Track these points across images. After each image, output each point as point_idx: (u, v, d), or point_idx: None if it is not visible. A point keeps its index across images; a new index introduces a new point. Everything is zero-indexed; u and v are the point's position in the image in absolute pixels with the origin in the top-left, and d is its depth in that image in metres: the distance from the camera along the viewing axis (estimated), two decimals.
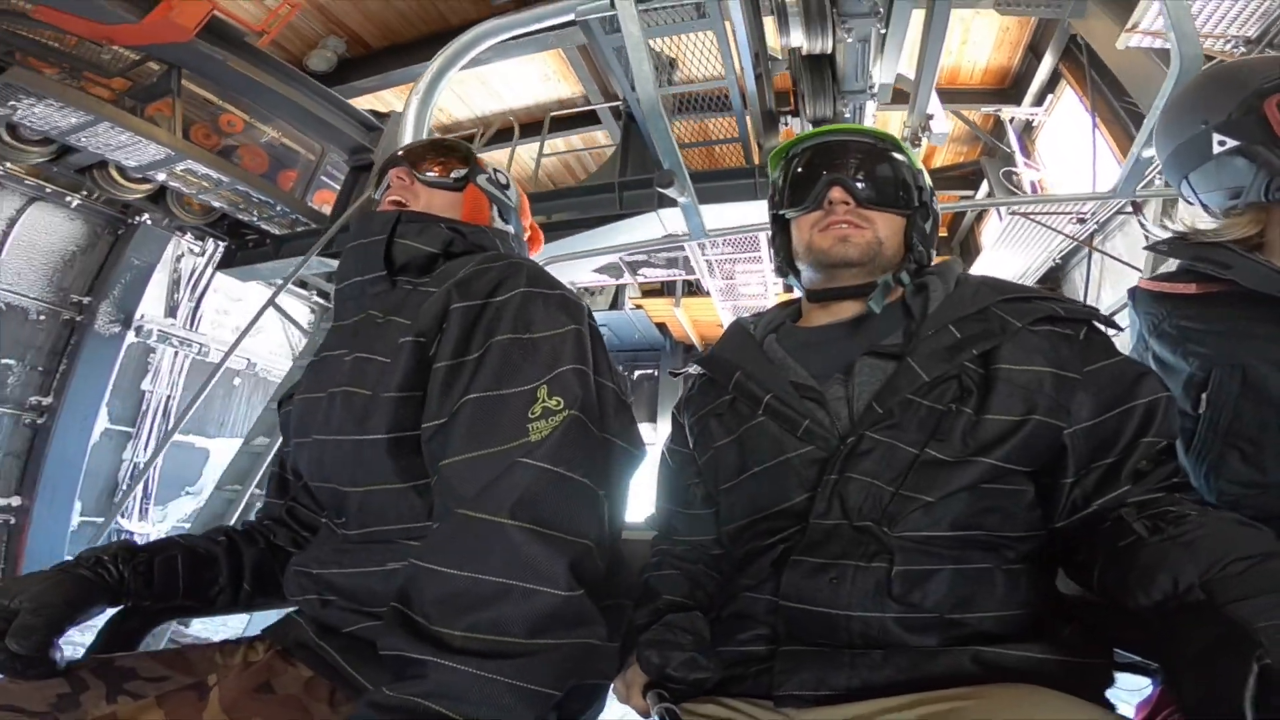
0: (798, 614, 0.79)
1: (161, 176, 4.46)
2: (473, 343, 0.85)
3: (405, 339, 0.88)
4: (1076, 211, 5.15)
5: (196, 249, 6.60)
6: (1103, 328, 0.88)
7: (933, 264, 1.03)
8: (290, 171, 5.46)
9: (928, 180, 1.05)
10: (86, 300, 5.79)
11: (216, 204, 4.91)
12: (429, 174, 1.13)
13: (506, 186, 1.23)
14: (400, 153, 1.16)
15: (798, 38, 3.54)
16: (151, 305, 6.24)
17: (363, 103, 6.08)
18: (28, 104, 3.51)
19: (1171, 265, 1.07)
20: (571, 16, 1.77)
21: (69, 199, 5.56)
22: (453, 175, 1.14)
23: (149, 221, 5.92)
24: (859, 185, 0.98)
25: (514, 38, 1.98)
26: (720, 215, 4.10)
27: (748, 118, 4.52)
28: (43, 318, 5.62)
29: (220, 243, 6.21)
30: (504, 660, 0.66)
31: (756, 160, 4.57)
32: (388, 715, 0.63)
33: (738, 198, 4.22)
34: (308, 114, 4.96)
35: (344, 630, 0.83)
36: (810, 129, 1.06)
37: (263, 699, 0.77)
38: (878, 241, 0.98)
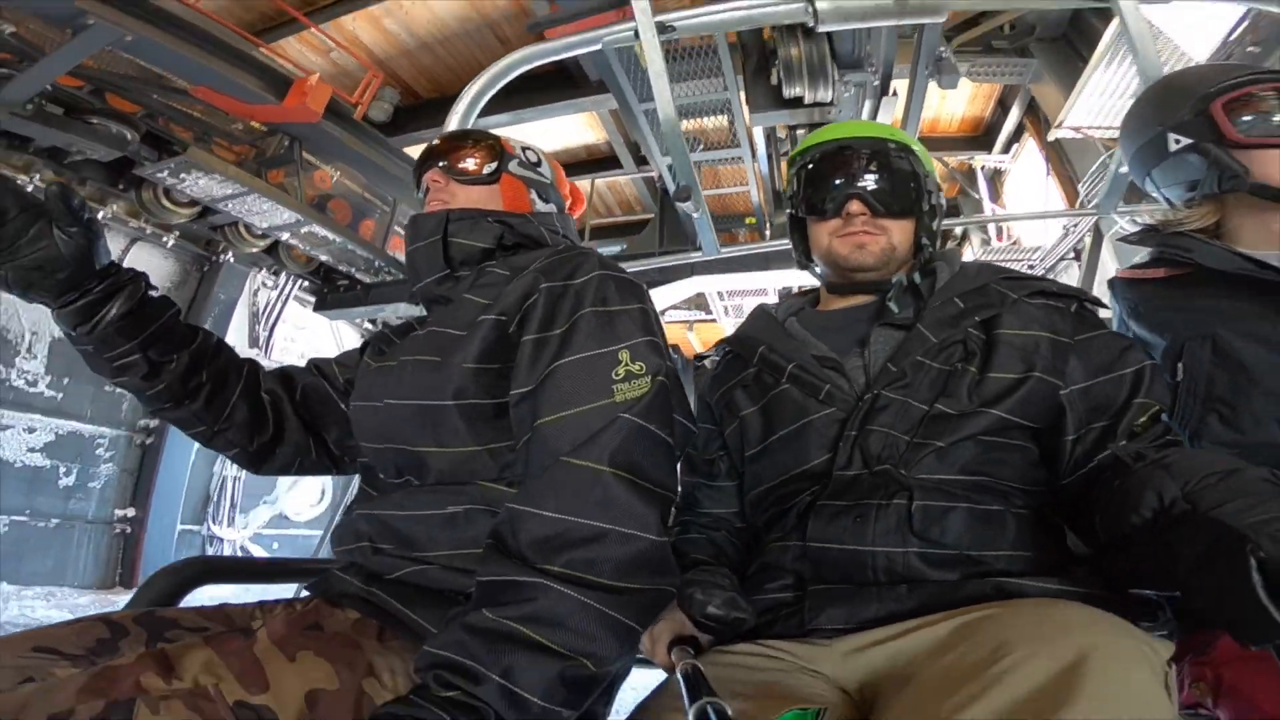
0: (825, 554, 0.84)
1: (285, 236, 5.26)
2: (557, 319, 0.89)
3: (486, 317, 0.93)
4: (1026, 259, 6.07)
5: (270, 283, 7.38)
6: (1090, 306, 0.96)
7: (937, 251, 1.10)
8: (369, 221, 6.28)
9: (936, 178, 1.11)
10: None
11: (324, 258, 5.73)
12: (463, 173, 1.15)
13: (538, 164, 1.23)
14: (432, 153, 1.18)
15: (801, 88, 4.28)
16: (235, 335, 7.02)
17: (416, 150, 6.91)
18: (195, 176, 4.33)
19: (1144, 255, 1.19)
20: (599, 46, 1.86)
21: (165, 239, 6.29)
22: (485, 170, 1.15)
23: (231, 259, 6.73)
24: (874, 196, 1.03)
25: (543, 65, 2.07)
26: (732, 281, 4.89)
27: (760, 194, 5.40)
28: None
29: (296, 278, 7.05)
30: (601, 593, 0.70)
31: (769, 236, 5.43)
32: (479, 638, 0.66)
33: (749, 267, 5.06)
34: (386, 172, 5.81)
35: (392, 576, 0.86)
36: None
37: (312, 635, 0.77)
38: (892, 247, 1.03)
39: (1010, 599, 0.71)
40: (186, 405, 1.02)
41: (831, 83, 4.21)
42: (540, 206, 1.20)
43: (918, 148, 1.08)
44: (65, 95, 4.06)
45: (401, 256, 6.48)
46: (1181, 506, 0.67)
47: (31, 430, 5.68)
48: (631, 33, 1.72)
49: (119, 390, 5.71)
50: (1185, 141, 1.07)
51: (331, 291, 6.67)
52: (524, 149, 1.21)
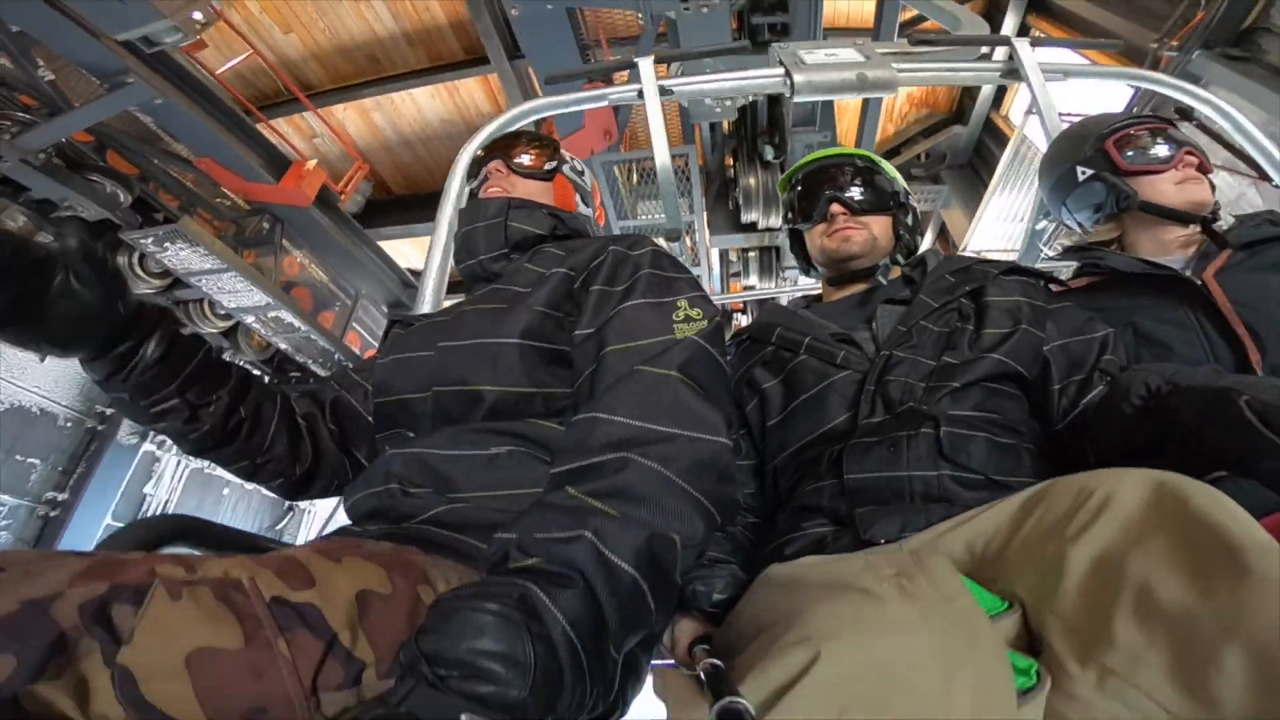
0: (863, 484, 0.90)
1: (251, 319, 5.14)
2: (619, 276, 0.96)
3: (556, 269, 1.01)
4: None
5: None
6: (1051, 286, 1.17)
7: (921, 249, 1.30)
8: (328, 313, 6.15)
9: (903, 184, 1.32)
10: (109, 412, 6.19)
11: (283, 346, 5.57)
12: (524, 166, 1.25)
13: (583, 173, 1.35)
14: (497, 146, 1.28)
15: (757, 214, 4.85)
16: None
17: (384, 244, 7.11)
18: (179, 247, 4.32)
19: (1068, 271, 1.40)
20: (606, 104, 2.03)
21: None
22: (545, 166, 1.26)
23: None
24: (852, 198, 1.25)
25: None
26: None
27: None
28: (69, 424, 5.98)
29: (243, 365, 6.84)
30: (684, 472, 0.69)
31: None
32: (561, 511, 0.63)
33: None
34: (358, 263, 5.92)
35: (425, 514, 0.82)
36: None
37: (351, 548, 0.69)
38: (873, 238, 1.24)
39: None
40: (229, 444, 0.97)
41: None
42: (582, 209, 1.32)
43: (882, 162, 1.33)
44: (71, 148, 4.05)
45: (358, 350, 6.55)
46: (1166, 388, 0.80)
47: None
48: (636, 93, 1.96)
49: (30, 459, 5.02)
50: (1089, 172, 1.33)
51: (283, 382, 6.50)
52: (571, 157, 1.34)
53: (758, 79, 1.99)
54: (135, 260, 4.68)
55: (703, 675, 0.62)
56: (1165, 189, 1.26)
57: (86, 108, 3.74)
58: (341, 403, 1.09)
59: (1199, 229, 1.23)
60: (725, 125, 4.98)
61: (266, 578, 0.56)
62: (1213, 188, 1.30)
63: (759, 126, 4.27)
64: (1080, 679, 0.56)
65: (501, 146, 1.27)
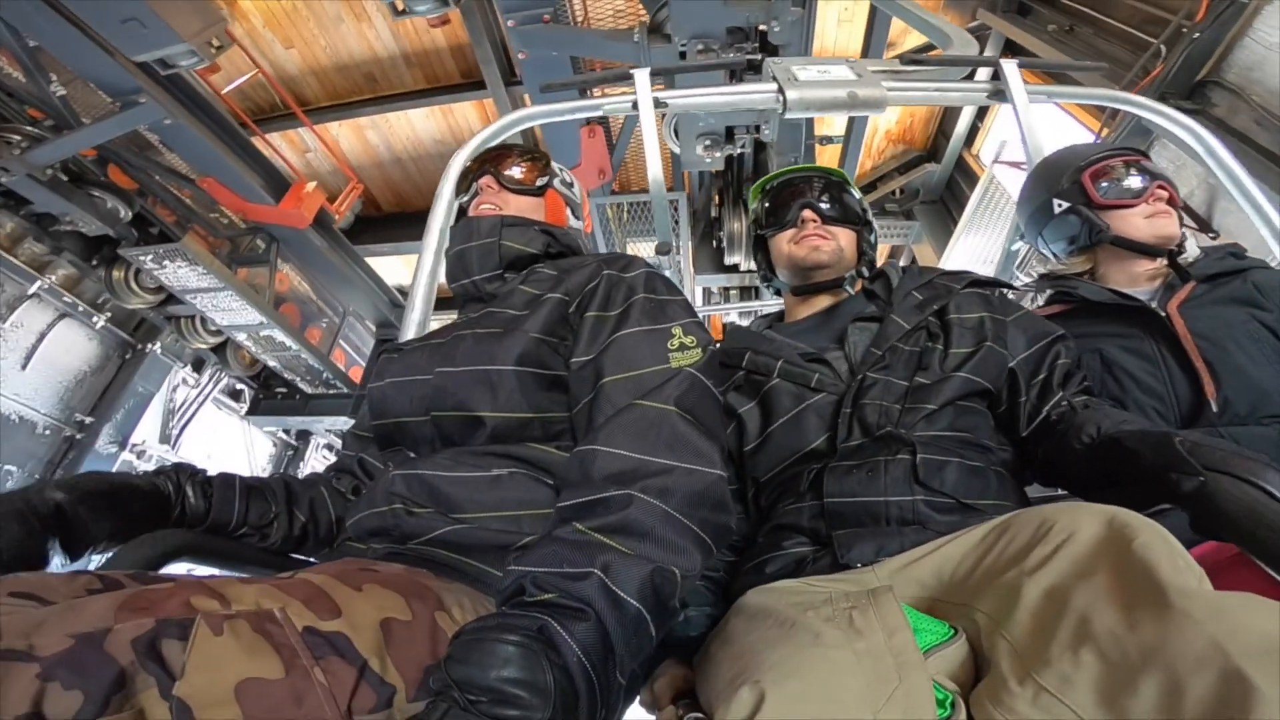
0: (841, 508, 0.94)
1: (242, 336, 5.23)
2: (614, 301, 0.97)
3: (550, 295, 1.01)
4: None
5: (191, 381, 7.09)
6: (1007, 292, 1.22)
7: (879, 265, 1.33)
8: (315, 329, 6.30)
9: (868, 205, 1.37)
10: (89, 420, 6.14)
11: (271, 363, 5.66)
12: (515, 181, 1.24)
13: (572, 185, 1.35)
14: (488, 162, 1.25)
15: (739, 257, 5.02)
16: (147, 429, 6.61)
17: (373, 261, 7.20)
18: (177, 265, 4.37)
19: (1040, 300, 1.48)
20: (600, 113, 2.04)
21: (95, 319, 6.02)
22: (537, 182, 1.25)
23: (159, 351, 6.51)
24: (824, 207, 1.28)
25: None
26: None
27: None
28: (47, 432, 5.91)
29: (217, 380, 6.88)
30: (680, 506, 0.73)
31: None
32: (571, 546, 0.67)
33: None
34: (348, 281, 6.01)
35: (430, 534, 0.85)
36: None
37: (369, 574, 0.72)
38: (840, 249, 1.26)
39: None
40: (304, 545, 1.04)
41: None
42: (573, 222, 1.32)
43: (851, 183, 1.36)
44: (74, 162, 4.10)
45: (342, 366, 6.59)
46: (1113, 430, 0.90)
47: None
48: (630, 104, 1.95)
49: (7, 467, 4.95)
50: (1065, 205, 1.38)
51: (268, 398, 6.53)
52: (560, 168, 1.34)
53: (751, 94, 2.01)
54: (130, 275, 4.73)
55: None
56: (1136, 222, 1.31)
57: (97, 125, 3.81)
58: (366, 463, 1.13)
59: (1166, 262, 1.28)
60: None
61: (296, 608, 0.60)
62: (1181, 220, 1.34)
63: (745, 172, 4.47)
64: (1019, 695, 0.61)
65: (493, 160, 1.26)
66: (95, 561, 0.79)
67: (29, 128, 3.98)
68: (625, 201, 4.92)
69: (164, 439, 6.79)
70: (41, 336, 5.76)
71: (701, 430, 0.81)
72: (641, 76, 1.95)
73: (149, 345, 6.44)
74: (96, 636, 0.50)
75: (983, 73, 2.22)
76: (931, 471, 0.94)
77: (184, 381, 7.04)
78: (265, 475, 1.09)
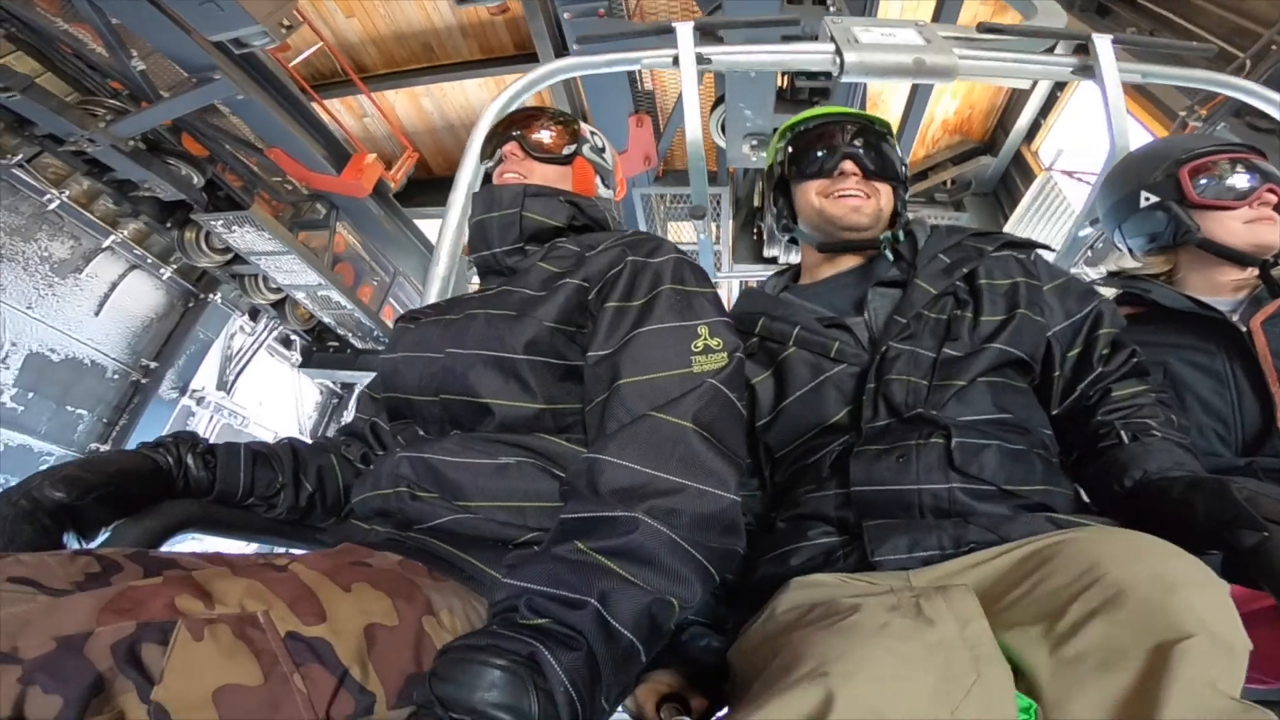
0: (871, 496, 0.87)
1: (301, 295, 5.52)
2: (637, 291, 0.91)
3: (569, 280, 0.95)
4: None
5: (248, 329, 7.46)
6: (1044, 253, 1.09)
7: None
8: (367, 286, 6.55)
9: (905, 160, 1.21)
10: (154, 365, 6.54)
11: (327, 319, 5.94)
12: (542, 148, 1.17)
13: (603, 150, 1.27)
14: (514, 126, 1.19)
15: (778, 250, 5.04)
16: (206, 375, 7.01)
17: (421, 224, 7.41)
18: (245, 230, 4.62)
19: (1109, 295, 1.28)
20: (639, 65, 1.91)
21: (162, 271, 6.35)
22: (564, 150, 1.18)
23: (219, 300, 6.86)
24: (867, 160, 1.12)
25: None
26: None
27: None
28: (115, 377, 6.32)
29: (271, 329, 7.22)
30: (686, 533, 0.71)
31: None
32: (571, 568, 0.65)
33: None
34: (397, 244, 6.23)
35: (432, 523, 0.83)
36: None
37: (361, 569, 0.71)
38: (879, 210, 1.12)
39: (1065, 530, 0.76)
40: (311, 514, 1.04)
41: None
42: (603, 192, 1.25)
43: (893, 133, 1.19)
44: (151, 132, 4.32)
45: (391, 323, 6.81)
46: (1157, 477, 0.86)
47: None
48: (670, 59, 1.82)
49: (79, 410, 5.32)
50: (1154, 199, 1.25)
51: (320, 350, 6.85)
52: (592, 133, 1.26)
53: (804, 54, 1.84)
54: (200, 236, 5.00)
55: None
56: (1233, 227, 1.19)
57: (176, 99, 4.01)
58: (379, 428, 1.11)
59: (1257, 273, 1.17)
60: None
61: (280, 610, 0.59)
62: None
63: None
64: None
65: (519, 124, 1.19)
66: (103, 535, 0.83)
67: (112, 100, 4.21)
68: (668, 193, 4.97)
69: (221, 385, 7.18)
70: (113, 286, 6.10)
71: (718, 450, 0.78)
72: (684, 31, 1.81)
73: (210, 295, 6.78)
74: (77, 640, 0.51)
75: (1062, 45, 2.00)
76: (969, 456, 0.86)
77: (241, 329, 7.41)
78: (282, 438, 1.08)
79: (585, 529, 0.70)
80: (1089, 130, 5.47)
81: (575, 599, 0.63)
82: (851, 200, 1.11)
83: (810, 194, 1.15)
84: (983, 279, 1.02)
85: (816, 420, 0.98)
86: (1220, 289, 1.21)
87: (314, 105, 5.37)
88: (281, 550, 0.91)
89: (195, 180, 4.59)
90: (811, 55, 1.83)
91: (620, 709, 0.90)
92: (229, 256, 5.23)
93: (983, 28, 1.94)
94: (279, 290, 5.66)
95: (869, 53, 1.74)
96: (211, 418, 7.23)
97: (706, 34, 1.91)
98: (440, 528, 0.83)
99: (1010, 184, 6.66)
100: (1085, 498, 0.98)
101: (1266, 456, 1.06)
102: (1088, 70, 1.84)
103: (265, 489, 0.98)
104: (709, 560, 0.72)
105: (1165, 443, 0.93)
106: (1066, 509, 0.87)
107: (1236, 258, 1.19)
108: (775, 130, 1.24)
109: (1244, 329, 1.11)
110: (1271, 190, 1.18)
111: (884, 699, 0.54)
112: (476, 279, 1.18)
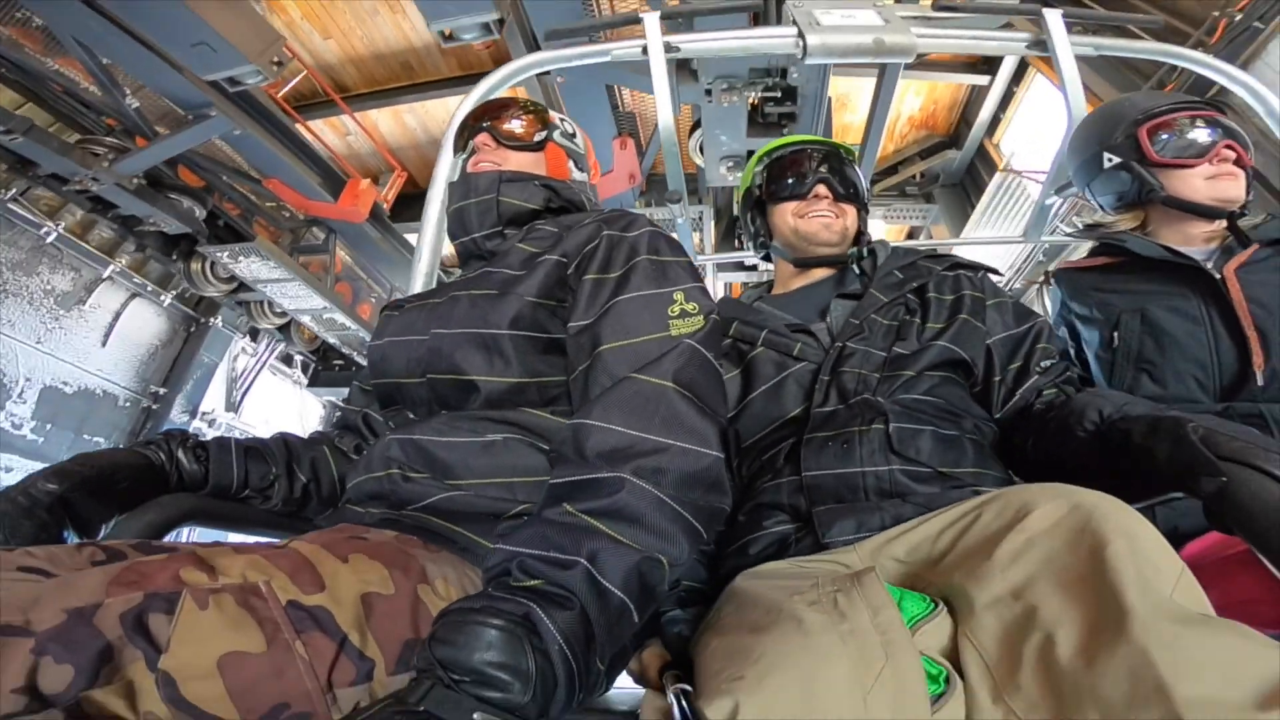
0: (820, 481, 0.93)
1: (307, 319, 5.71)
2: (614, 263, 0.95)
3: (547, 256, 0.99)
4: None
5: (250, 350, 7.68)
6: (991, 276, 1.18)
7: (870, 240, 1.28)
8: (365, 304, 6.75)
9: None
10: (163, 391, 6.77)
11: (331, 340, 6.15)
12: (513, 136, 1.19)
13: (574, 135, 1.30)
14: (484, 117, 1.21)
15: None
16: (214, 397, 7.24)
17: (410, 237, 7.60)
18: (251, 260, 4.83)
19: (1083, 251, 1.37)
20: (609, 59, 1.92)
21: (162, 297, 6.61)
22: (535, 137, 1.21)
23: (221, 324, 7.07)
24: (837, 184, 1.26)
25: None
26: None
27: None
28: (127, 404, 6.55)
29: (273, 349, 7.45)
30: (673, 492, 0.72)
31: None
32: (560, 529, 0.67)
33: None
34: (390, 260, 6.39)
35: (424, 501, 0.86)
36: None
37: (358, 541, 0.73)
38: (846, 229, 1.26)
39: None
40: (307, 505, 1.07)
41: None
42: (576, 175, 1.29)
43: (856, 158, 1.33)
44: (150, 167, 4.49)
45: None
46: (1118, 415, 0.86)
47: (9, 470, 5.69)
48: (640, 49, 1.86)
49: (96, 438, 5.56)
50: (1117, 160, 1.28)
51: (326, 369, 7.08)
52: (562, 119, 1.29)
53: (769, 38, 1.91)
54: (206, 266, 5.21)
55: (673, 699, 0.66)
56: (1195, 183, 1.22)
57: (176, 137, 4.20)
58: (371, 418, 1.13)
59: (1225, 224, 1.20)
60: None
61: (281, 581, 0.61)
62: (1249, 181, 1.24)
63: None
64: (988, 711, 0.61)
65: (489, 115, 1.22)
66: (104, 531, 0.85)
67: (109, 139, 4.38)
68: (657, 216, 5.21)
69: (229, 406, 7.42)
70: (117, 315, 6.32)
71: (699, 408, 0.80)
72: (651, 20, 1.86)
73: (211, 319, 7.01)
74: (87, 611, 0.53)
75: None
76: (906, 440, 0.94)
77: (243, 351, 7.64)
78: (275, 433, 1.11)
79: (573, 491, 0.72)
80: (1043, 122, 5.77)
81: (565, 559, 0.64)
82: (823, 219, 1.25)
83: (786, 215, 1.28)
84: (931, 292, 1.13)
85: (778, 414, 1.06)
86: (1192, 240, 1.24)
87: (299, 127, 5.57)
88: (280, 540, 0.94)
89: (198, 213, 4.78)
90: (776, 39, 1.89)
91: (617, 687, 0.94)
92: (235, 285, 5.43)
93: (939, 6, 2.01)
94: (284, 314, 5.87)
95: (830, 34, 1.80)
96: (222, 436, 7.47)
97: (674, 27, 1.94)
98: (433, 506, 0.86)
99: (976, 175, 6.95)
100: (1016, 479, 1.03)
101: (1243, 401, 1.10)
102: (1041, 45, 1.90)
103: (259, 481, 1.01)
104: (695, 518, 0.74)
105: (1109, 391, 1.00)
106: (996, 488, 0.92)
107: (1202, 212, 1.22)
108: (750, 153, 1.37)
109: (1218, 276, 1.14)
110: (1230, 146, 1.21)
111: (792, 700, 0.57)
112: (459, 271, 1.21)
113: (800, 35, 1.81)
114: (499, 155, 1.19)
